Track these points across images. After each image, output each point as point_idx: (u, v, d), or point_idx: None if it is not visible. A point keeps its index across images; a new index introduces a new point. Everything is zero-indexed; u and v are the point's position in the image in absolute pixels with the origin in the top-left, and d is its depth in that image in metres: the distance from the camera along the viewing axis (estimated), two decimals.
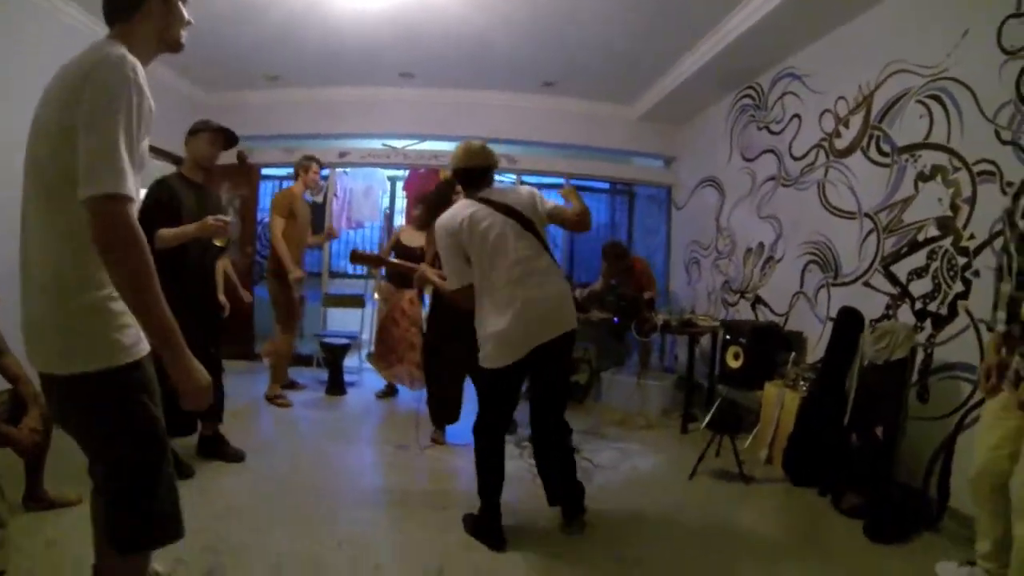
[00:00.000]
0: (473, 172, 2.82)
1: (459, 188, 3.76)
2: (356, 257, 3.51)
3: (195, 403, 1.45)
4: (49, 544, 2.46)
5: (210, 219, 3.12)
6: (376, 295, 5.12)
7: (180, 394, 1.43)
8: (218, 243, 3.37)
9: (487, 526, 2.74)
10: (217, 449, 3.56)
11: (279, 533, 2.72)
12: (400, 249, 4.97)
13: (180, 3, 1.58)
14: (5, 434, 2.53)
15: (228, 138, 3.40)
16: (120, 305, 1.40)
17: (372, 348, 5.35)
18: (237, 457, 3.56)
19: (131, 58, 1.37)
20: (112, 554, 1.56)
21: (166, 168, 6.06)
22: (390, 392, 5.37)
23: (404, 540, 2.76)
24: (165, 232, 3.05)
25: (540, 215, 2.80)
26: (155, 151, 5.51)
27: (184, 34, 1.61)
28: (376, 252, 5.20)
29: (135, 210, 1.33)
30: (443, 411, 4.15)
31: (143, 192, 5.46)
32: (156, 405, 1.51)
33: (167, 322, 1.36)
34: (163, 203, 3.15)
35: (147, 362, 1.49)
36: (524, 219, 2.72)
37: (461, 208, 2.73)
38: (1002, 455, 2.25)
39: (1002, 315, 2.29)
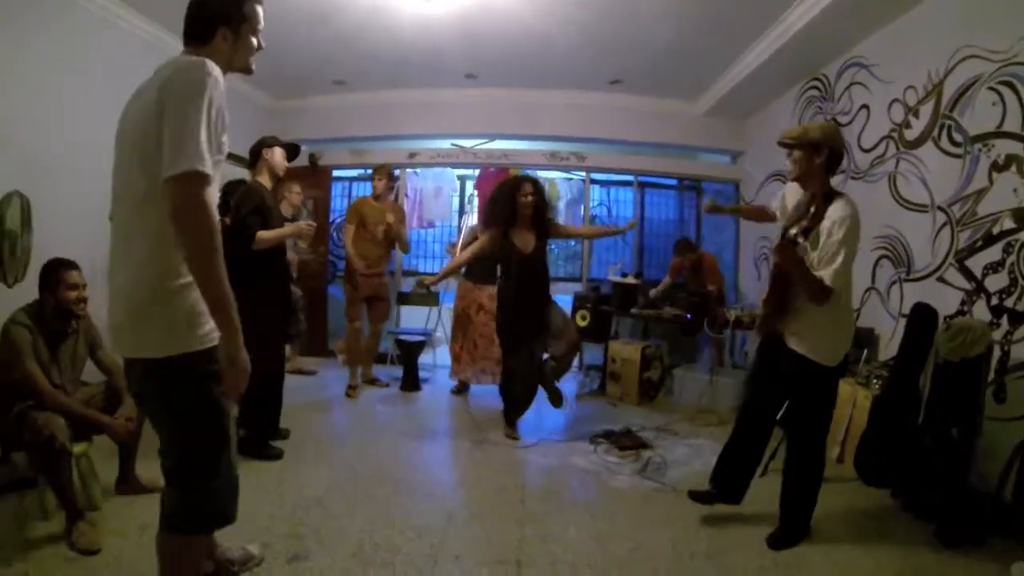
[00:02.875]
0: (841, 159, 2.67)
1: (528, 191, 4.06)
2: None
3: (234, 385, 1.56)
4: (142, 528, 2.63)
5: (304, 223, 3.62)
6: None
7: (224, 371, 1.54)
8: (303, 244, 3.72)
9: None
10: (259, 449, 3.60)
11: (359, 521, 2.87)
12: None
13: (251, 36, 1.72)
14: (101, 421, 2.73)
15: (295, 150, 3.82)
16: (198, 295, 1.52)
17: (452, 345, 5.50)
18: (277, 455, 3.64)
19: (209, 62, 1.52)
20: (167, 534, 1.68)
21: (237, 172, 6.49)
22: (463, 388, 5.53)
23: (482, 532, 2.84)
24: (265, 234, 3.40)
25: None
26: (228, 156, 5.85)
27: (253, 60, 1.76)
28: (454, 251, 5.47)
29: (211, 191, 1.47)
30: (519, 404, 4.30)
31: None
32: (224, 395, 1.62)
33: (227, 298, 1.48)
34: (259, 208, 3.46)
35: (218, 353, 1.59)
36: None
37: None
38: None
39: None
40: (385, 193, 5.30)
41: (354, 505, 3.06)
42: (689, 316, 5.13)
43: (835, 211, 2.49)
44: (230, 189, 3.63)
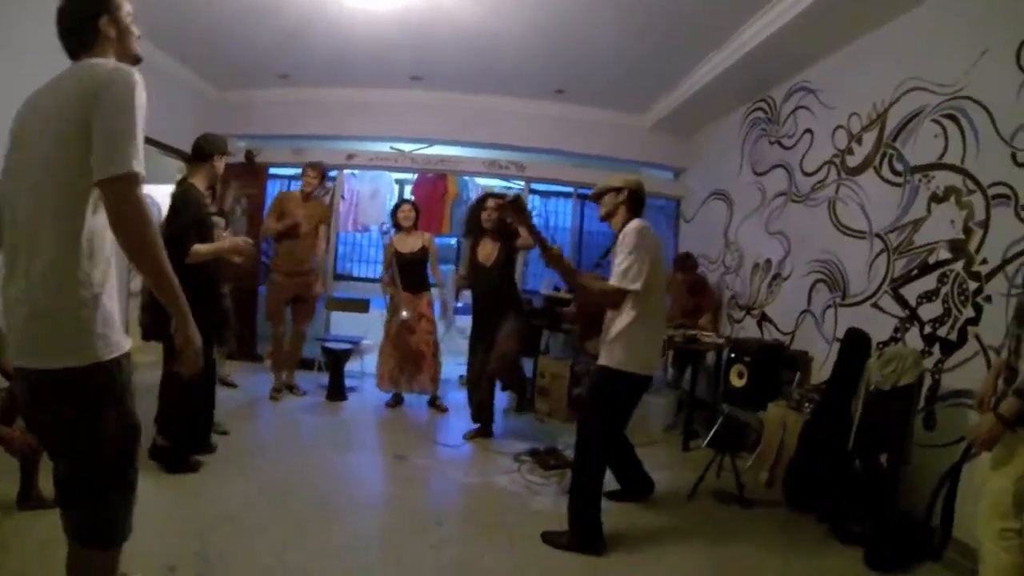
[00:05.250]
0: (643, 205, 3.06)
1: (490, 204, 4.36)
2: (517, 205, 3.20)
3: (192, 364, 1.65)
4: (43, 544, 2.39)
5: (242, 241, 3.46)
6: (404, 312, 5.00)
7: (180, 353, 1.62)
8: (238, 260, 3.53)
9: (597, 532, 2.85)
10: (175, 461, 3.35)
11: (271, 541, 2.68)
12: (399, 257, 5.01)
13: (129, 21, 1.68)
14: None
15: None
16: (111, 303, 1.52)
17: (378, 370, 5.25)
18: (192, 468, 3.39)
19: (132, 68, 1.52)
20: (83, 550, 1.59)
21: (173, 165, 6.13)
22: (398, 401, 5.30)
23: (396, 557, 2.69)
24: (201, 248, 3.20)
25: None
26: (167, 148, 5.56)
27: (138, 47, 1.71)
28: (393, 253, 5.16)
29: (142, 190, 1.47)
30: (473, 406, 4.54)
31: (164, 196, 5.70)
32: (134, 402, 1.59)
33: (176, 287, 1.54)
34: (199, 219, 3.27)
35: (127, 361, 1.56)
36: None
37: (653, 230, 2.91)
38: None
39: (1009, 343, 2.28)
40: (314, 191, 5.21)
41: (267, 523, 2.86)
42: None
43: (623, 232, 2.87)
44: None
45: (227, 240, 3.54)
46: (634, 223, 2.87)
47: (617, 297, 2.80)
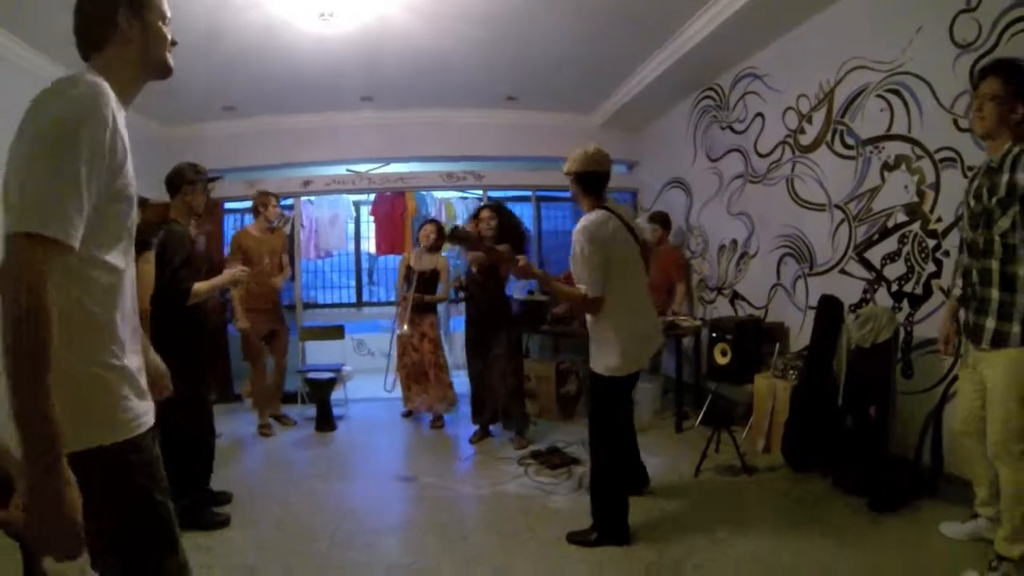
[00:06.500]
0: (602, 177, 2.91)
1: (482, 215, 4.38)
2: (456, 236, 3.29)
3: (53, 544, 1.09)
4: None
5: (238, 271, 3.41)
6: (404, 325, 5.05)
7: (31, 525, 1.07)
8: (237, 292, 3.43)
9: (621, 525, 2.90)
10: (202, 518, 3.20)
11: None
12: (410, 273, 5.09)
13: (160, 23, 1.40)
14: None
15: (213, 181, 3.54)
16: (116, 375, 1.24)
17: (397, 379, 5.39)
18: (224, 522, 3.24)
19: (87, 79, 1.19)
20: None
21: None
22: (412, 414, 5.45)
23: (438, 574, 2.70)
24: (201, 286, 3.11)
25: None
26: None
27: (170, 56, 1.45)
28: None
29: (54, 259, 1.07)
30: (474, 409, 4.70)
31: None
32: (161, 490, 1.32)
33: (48, 420, 1.04)
34: (190, 259, 3.15)
35: (148, 440, 1.30)
36: (640, 241, 2.99)
37: (606, 218, 2.79)
38: (978, 404, 2.51)
39: (959, 281, 2.66)
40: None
41: (290, 569, 2.77)
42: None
43: (575, 231, 2.80)
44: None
45: (226, 273, 3.45)
46: (584, 220, 2.78)
47: (588, 304, 2.77)
